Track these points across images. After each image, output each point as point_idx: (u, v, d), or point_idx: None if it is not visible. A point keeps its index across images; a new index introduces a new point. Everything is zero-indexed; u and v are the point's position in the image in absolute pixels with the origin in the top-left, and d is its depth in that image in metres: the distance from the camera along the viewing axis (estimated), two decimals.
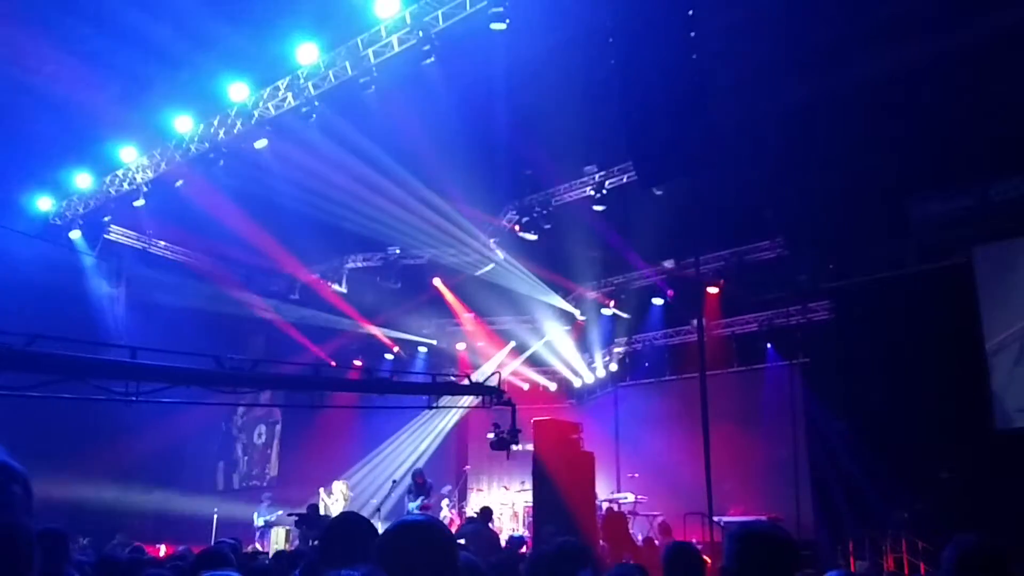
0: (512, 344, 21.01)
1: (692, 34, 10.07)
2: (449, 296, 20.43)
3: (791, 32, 12.73)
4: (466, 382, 12.63)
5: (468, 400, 13.07)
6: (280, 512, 17.20)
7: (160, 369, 7.79)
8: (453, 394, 12.95)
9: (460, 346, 21.89)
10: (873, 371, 14.82)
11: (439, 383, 12.76)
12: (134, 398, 7.35)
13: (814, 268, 16.70)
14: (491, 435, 12.84)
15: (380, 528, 2.70)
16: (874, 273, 15.96)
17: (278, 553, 7.72)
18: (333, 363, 22.74)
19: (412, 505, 14.94)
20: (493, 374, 12.81)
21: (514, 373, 21.55)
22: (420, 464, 18.74)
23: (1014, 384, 14.00)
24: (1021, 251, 14.40)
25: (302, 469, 21.10)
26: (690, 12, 10.03)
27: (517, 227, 17.53)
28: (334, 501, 16.87)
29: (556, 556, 2.89)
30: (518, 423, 12.41)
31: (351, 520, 3.50)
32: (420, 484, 15.30)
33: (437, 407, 12.87)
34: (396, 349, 22.79)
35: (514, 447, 12.61)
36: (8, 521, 0.96)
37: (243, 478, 23.80)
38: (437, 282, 20.14)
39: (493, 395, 12.38)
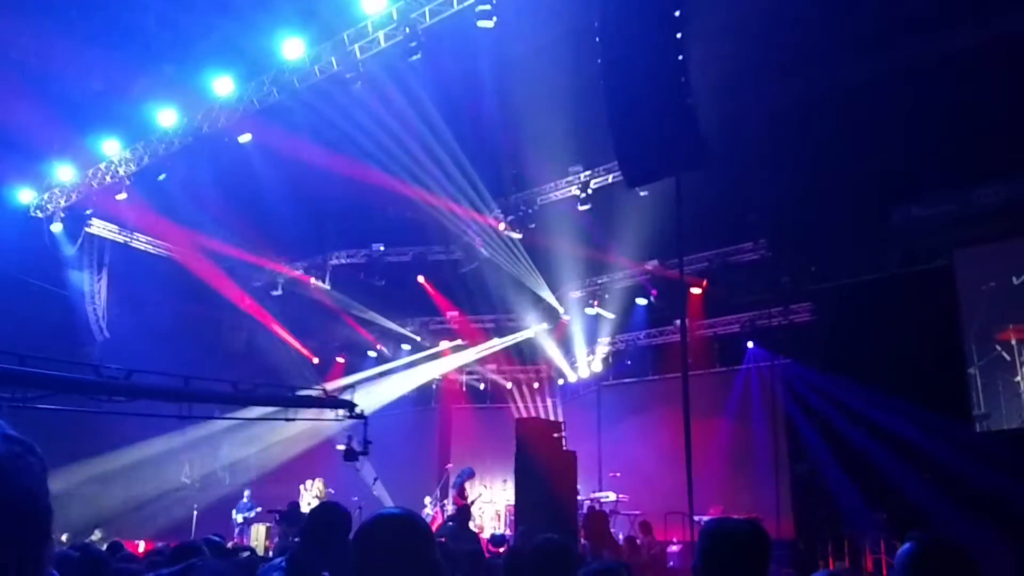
0: (489, 345, 21.06)
1: (679, 35, 10.08)
2: (433, 294, 20.40)
3: (776, 36, 12.80)
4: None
5: (332, 413, 13.54)
6: (260, 509, 17.12)
7: (38, 377, 8.00)
8: (308, 407, 13.35)
9: (444, 343, 21.86)
10: (854, 373, 14.90)
11: (294, 397, 13.14)
12: (20, 404, 7.65)
13: (796, 270, 16.78)
14: (341, 446, 13.42)
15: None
16: (856, 276, 16.05)
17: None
18: (316, 360, 22.74)
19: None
20: (345, 388, 13.31)
21: (498, 371, 21.57)
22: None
23: (993, 386, 14.12)
24: (1002, 255, 14.52)
25: (282, 466, 20.99)
26: (676, 13, 10.04)
27: (502, 226, 17.54)
28: (313, 498, 16.81)
29: (533, 553, 2.90)
30: (369, 436, 13.09)
31: (330, 511, 3.55)
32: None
33: (294, 419, 13.48)
34: (379, 347, 22.75)
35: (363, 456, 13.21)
36: (28, 486, 0.98)
37: (223, 475, 23.63)
38: (421, 279, 20.11)
39: (346, 408, 12.97)
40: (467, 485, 15.25)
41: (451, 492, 15.67)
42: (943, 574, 2.42)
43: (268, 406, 14.10)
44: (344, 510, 3.57)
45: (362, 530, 2.00)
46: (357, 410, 12.89)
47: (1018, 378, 13.76)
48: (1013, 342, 13.86)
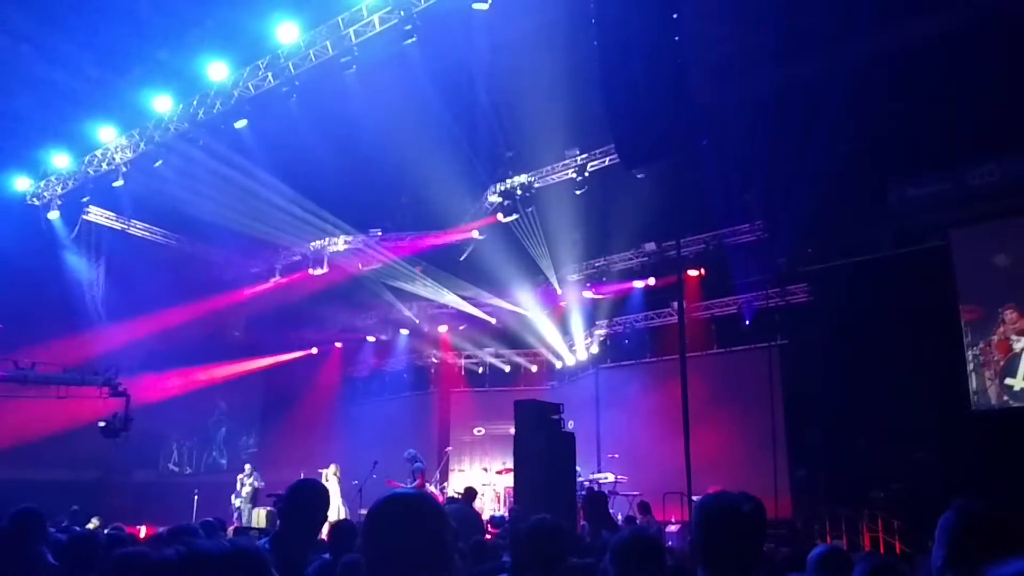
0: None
1: (675, 15, 10.04)
2: (424, 283, 20.34)
3: (772, 17, 12.75)
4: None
5: None
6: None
7: None
8: (77, 385, 14.26)
9: (442, 328, 21.90)
10: (850, 353, 14.95)
11: (61, 376, 14.14)
12: None
13: (793, 251, 16.81)
14: (102, 423, 14.05)
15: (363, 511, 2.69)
16: (852, 256, 16.07)
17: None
18: (315, 350, 22.79)
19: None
20: (110, 369, 14.02)
21: (496, 354, 21.62)
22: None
23: (989, 365, 14.19)
24: (997, 234, 14.56)
25: (281, 451, 21.12)
26: None
27: (500, 213, 17.51)
28: (325, 482, 16.82)
29: (528, 533, 2.92)
30: (131, 413, 14.17)
31: (305, 488, 3.54)
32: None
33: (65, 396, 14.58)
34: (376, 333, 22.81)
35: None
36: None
37: (222, 460, 23.77)
38: (417, 270, 20.06)
39: (109, 386, 13.63)
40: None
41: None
42: (983, 542, 2.42)
43: (43, 384, 14.76)
44: (320, 486, 3.56)
45: (372, 511, 1.96)
46: (120, 388, 13.93)
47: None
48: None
